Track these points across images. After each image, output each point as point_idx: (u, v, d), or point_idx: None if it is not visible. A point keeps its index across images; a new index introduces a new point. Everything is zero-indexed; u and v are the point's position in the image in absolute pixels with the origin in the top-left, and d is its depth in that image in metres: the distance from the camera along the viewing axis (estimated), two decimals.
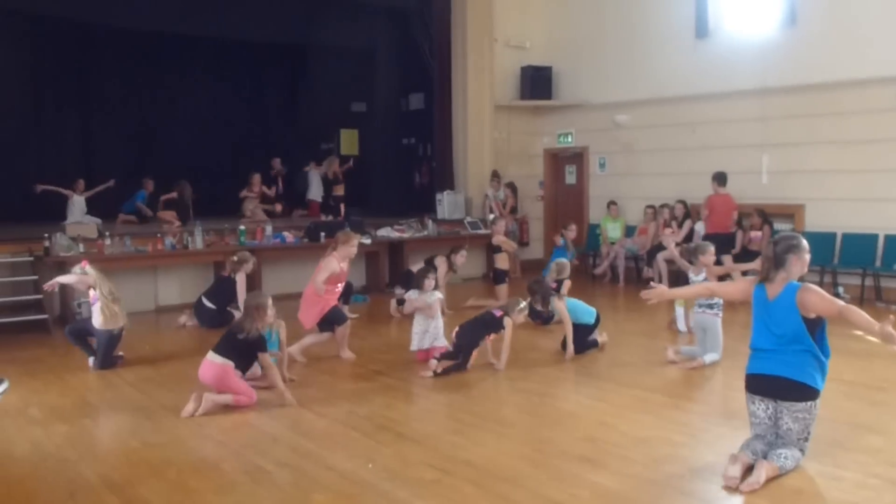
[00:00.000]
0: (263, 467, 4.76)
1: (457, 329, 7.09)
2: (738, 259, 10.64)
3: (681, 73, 12.61)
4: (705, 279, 7.17)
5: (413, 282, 7.88)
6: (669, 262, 11.72)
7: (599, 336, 7.71)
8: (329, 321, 7.42)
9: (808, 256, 4.61)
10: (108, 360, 7.24)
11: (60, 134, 13.17)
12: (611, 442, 5.13)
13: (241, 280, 9.08)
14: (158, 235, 10.32)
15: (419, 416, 5.77)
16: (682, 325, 8.45)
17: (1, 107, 12.76)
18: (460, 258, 9.75)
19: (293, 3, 14.04)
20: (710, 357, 7.10)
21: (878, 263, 10.32)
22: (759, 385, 4.65)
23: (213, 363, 5.94)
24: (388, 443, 5.18)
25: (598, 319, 7.70)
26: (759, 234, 11.15)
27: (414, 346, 7.33)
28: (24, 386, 6.63)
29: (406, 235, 12.24)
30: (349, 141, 16.28)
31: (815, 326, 4.47)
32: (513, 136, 14.78)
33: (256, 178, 13.76)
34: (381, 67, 15.89)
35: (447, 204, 13.58)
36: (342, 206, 13.92)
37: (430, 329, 7.30)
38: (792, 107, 11.28)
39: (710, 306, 7.12)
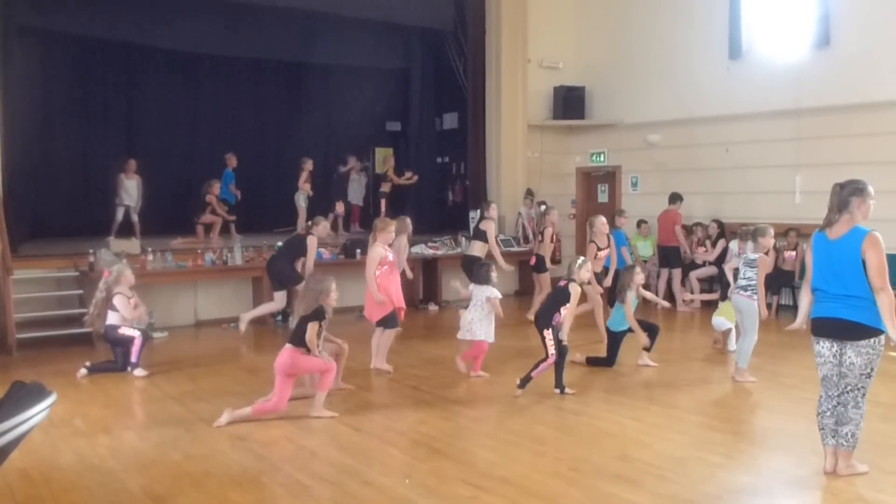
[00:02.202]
0: (302, 482, 4.84)
1: (537, 325, 6.99)
2: (772, 279, 10.62)
3: (714, 94, 12.61)
4: (755, 259, 7.28)
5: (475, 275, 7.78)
6: (702, 280, 11.77)
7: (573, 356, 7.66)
8: (380, 323, 7.62)
9: (872, 202, 4.68)
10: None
11: (104, 152, 13.45)
12: (646, 461, 5.13)
13: (312, 242, 9.30)
14: (199, 251, 10.52)
15: (454, 433, 5.81)
16: (723, 326, 8.42)
17: (48, 125, 13.08)
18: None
19: (330, 23, 14.25)
20: (745, 344, 7.22)
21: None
22: (824, 327, 4.74)
23: (285, 350, 6.09)
24: (424, 459, 5.23)
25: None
26: (793, 253, 11.09)
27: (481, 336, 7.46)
28: (68, 398, 6.78)
29: (440, 252, 12.35)
30: (384, 159, 16.43)
31: None
32: (545, 155, 14.86)
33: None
34: (416, 87, 16.07)
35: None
36: (383, 203, 14.00)
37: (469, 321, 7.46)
38: (825, 127, 11.23)
39: (745, 288, 7.28)
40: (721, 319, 8.44)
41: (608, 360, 7.86)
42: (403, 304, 7.91)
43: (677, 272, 12.14)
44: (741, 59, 12.36)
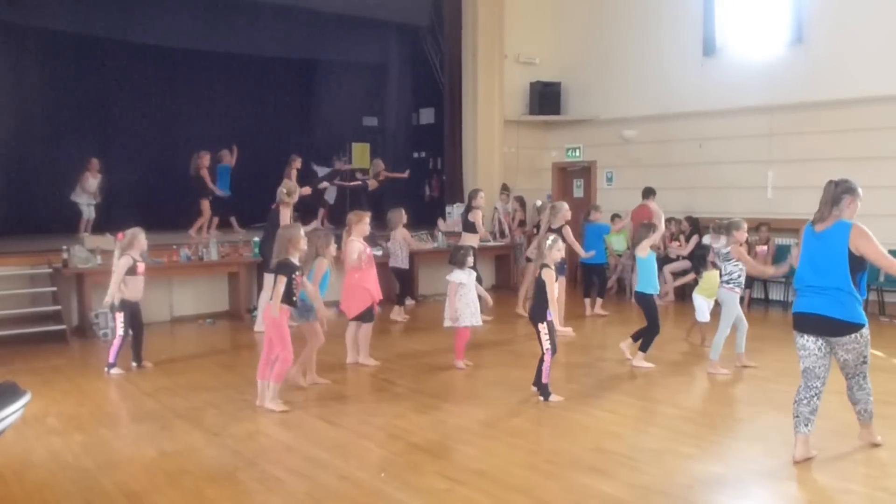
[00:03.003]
0: (278, 476, 4.85)
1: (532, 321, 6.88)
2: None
3: (688, 90, 12.75)
4: (728, 252, 7.39)
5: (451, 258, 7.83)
6: (676, 274, 11.88)
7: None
8: (358, 318, 7.60)
9: (860, 202, 4.88)
10: None
11: (78, 149, 13.30)
12: (620, 453, 5.19)
13: (284, 213, 9.18)
14: (174, 247, 10.45)
15: (431, 426, 5.83)
16: (703, 316, 8.38)
17: (21, 121, 12.93)
18: None
19: (306, 18, 14.20)
20: (717, 337, 7.35)
21: (881, 279, 10.36)
22: (806, 323, 4.90)
23: (270, 307, 6.18)
24: (401, 452, 5.26)
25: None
26: (764, 248, 11.23)
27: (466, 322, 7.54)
28: (42, 396, 6.71)
29: (392, 249, 12.31)
30: (361, 155, 16.41)
31: (857, 269, 4.72)
32: (522, 150, 14.94)
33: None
34: (393, 82, 16.08)
35: (457, 216, 13.72)
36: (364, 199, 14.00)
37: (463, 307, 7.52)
38: (798, 124, 11.41)
39: (728, 281, 7.44)
40: (701, 300, 8.41)
41: (651, 328, 7.77)
42: (381, 296, 7.90)
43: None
44: (715, 56, 12.51)
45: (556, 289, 6.59)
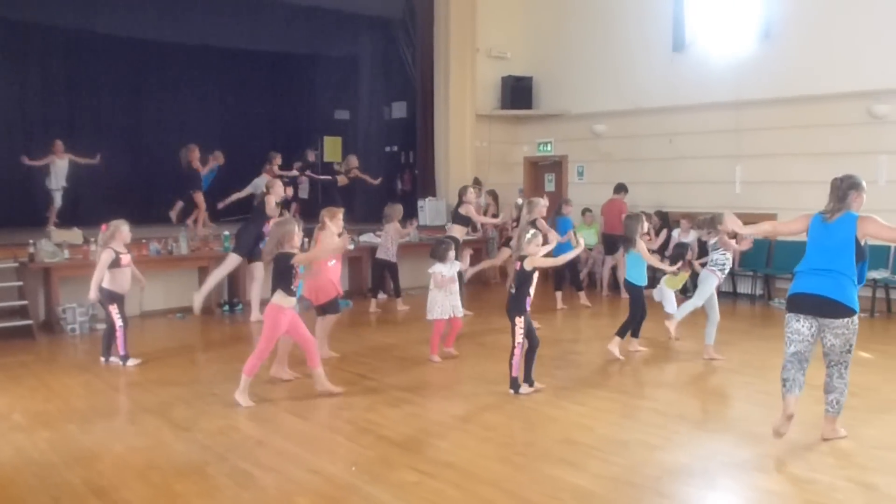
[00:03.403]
0: (248, 471, 4.82)
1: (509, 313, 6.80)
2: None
3: (658, 85, 12.85)
4: (716, 242, 7.66)
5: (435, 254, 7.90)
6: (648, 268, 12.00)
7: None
8: (323, 308, 7.55)
9: (865, 195, 5.13)
10: None
11: (44, 140, 13.06)
12: (589, 445, 5.24)
13: (269, 201, 9.44)
14: (143, 241, 10.34)
15: (401, 420, 5.84)
16: (671, 307, 8.51)
17: None
18: None
19: (277, 11, 14.08)
20: (684, 307, 7.60)
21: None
22: (803, 303, 5.09)
23: (270, 305, 6.25)
24: (371, 446, 5.26)
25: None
26: (732, 241, 11.35)
27: (436, 314, 7.60)
28: (8, 392, 6.65)
29: (382, 240, 12.30)
30: (333, 148, 16.34)
31: (860, 256, 4.97)
32: (493, 144, 14.96)
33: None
34: (365, 76, 16.01)
35: (429, 210, 13.75)
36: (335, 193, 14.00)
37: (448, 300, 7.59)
38: (765, 119, 11.56)
39: (713, 264, 7.69)
40: (669, 291, 8.51)
41: (635, 317, 7.90)
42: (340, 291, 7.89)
43: (622, 259, 12.34)
44: (684, 52, 12.62)
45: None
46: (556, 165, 14.98)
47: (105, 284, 7.57)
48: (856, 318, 4.99)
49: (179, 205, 12.65)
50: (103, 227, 7.81)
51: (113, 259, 7.53)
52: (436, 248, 7.82)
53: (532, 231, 6.81)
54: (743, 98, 11.57)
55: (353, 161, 14.13)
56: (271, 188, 9.74)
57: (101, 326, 9.32)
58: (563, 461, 4.93)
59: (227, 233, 10.85)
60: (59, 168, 11.94)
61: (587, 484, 4.56)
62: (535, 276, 6.57)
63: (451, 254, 7.77)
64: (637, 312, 7.91)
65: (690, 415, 6.08)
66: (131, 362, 7.56)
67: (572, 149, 14.54)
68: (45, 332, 9.16)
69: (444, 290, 7.62)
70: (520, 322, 6.51)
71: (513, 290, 6.55)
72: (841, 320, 4.96)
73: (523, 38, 15.06)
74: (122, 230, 7.66)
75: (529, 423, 5.83)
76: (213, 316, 10.39)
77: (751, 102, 11.55)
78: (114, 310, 7.59)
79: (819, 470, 4.77)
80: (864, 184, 5.15)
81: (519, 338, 6.50)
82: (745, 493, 4.51)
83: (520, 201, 12.23)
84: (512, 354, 6.52)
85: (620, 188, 12.56)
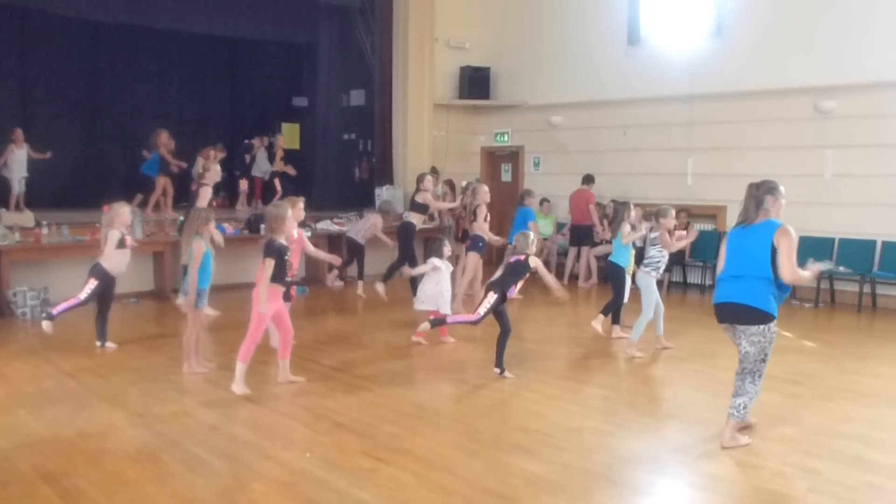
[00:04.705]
0: (201, 457, 4.80)
1: (486, 287, 6.94)
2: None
3: (613, 78, 13.02)
4: (656, 237, 7.61)
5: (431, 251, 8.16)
6: (599, 257, 12.19)
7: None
8: None
9: (784, 201, 5.01)
10: None
11: (2, 130, 12.76)
12: (543, 432, 5.32)
13: (203, 192, 8.97)
14: (97, 225, 10.15)
15: (357, 407, 5.85)
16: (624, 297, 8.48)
17: None
18: None
19: None
20: (640, 320, 7.50)
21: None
22: (721, 313, 5.01)
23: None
24: (326, 432, 5.27)
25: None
26: (683, 233, 11.55)
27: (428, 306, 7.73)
28: None
29: (345, 229, 12.30)
30: (291, 135, 16.21)
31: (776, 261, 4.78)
32: (451, 133, 15.00)
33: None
34: (323, 63, 15.90)
35: (386, 198, 13.72)
36: (277, 182, 13.93)
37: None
38: (716, 113, 11.80)
39: (647, 265, 7.63)
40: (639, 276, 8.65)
41: (616, 299, 8.02)
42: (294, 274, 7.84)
43: (586, 250, 12.48)
44: (639, 45, 12.81)
45: (479, 267, 6.77)
46: (513, 156, 15.09)
47: (102, 261, 7.45)
48: (773, 325, 4.83)
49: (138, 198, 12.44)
50: (105, 208, 7.70)
51: (120, 239, 7.43)
52: (432, 245, 8.00)
53: (531, 236, 7.03)
54: (695, 92, 11.79)
55: (281, 142, 14.13)
56: (206, 172, 9.19)
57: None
58: (517, 448, 5.00)
59: (181, 218, 10.70)
60: (17, 158, 11.66)
61: (540, 470, 4.63)
62: (474, 261, 6.73)
63: (447, 250, 7.94)
64: (618, 295, 8.02)
65: (640, 402, 6.20)
66: (46, 325, 7.35)
67: (529, 139, 14.67)
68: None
69: (432, 281, 7.76)
70: (490, 297, 6.61)
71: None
72: (756, 327, 4.81)
73: (482, 29, 15.11)
74: (121, 213, 7.54)
75: (483, 410, 5.89)
76: (169, 301, 10.26)
77: (703, 96, 11.78)
78: (91, 284, 7.42)
79: (764, 456, 4.90)
80: (782, 189, 5.02)
81: (481, 311, 6.61)
82: (693, 478, 4.63)
83: (464, 183, 12.40)
84: (472, 323, 6.68)
85: (589, 179, 12.65)
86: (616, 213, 8.17)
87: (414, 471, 4.59)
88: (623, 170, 12.96)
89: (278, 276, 6.07)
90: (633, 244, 8.01)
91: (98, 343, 7.63)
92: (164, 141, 12.08)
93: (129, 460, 4.73)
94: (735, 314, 4.89)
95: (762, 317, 4.80)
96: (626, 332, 8.13)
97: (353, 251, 11.06)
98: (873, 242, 10.43)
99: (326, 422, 5.48)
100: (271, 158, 14.07)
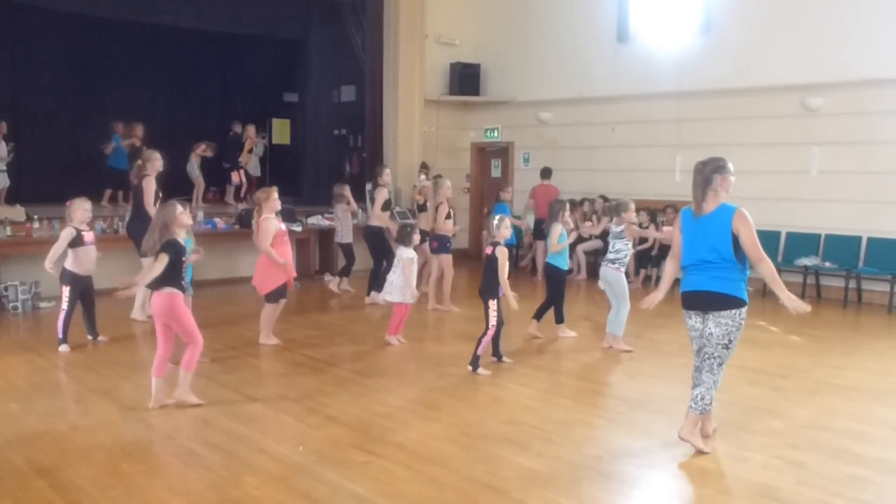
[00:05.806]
0: (195, 450, 4.83)
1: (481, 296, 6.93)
2: (648, 252, 11.65)
3: (602, 75, 13.09)
4: (622, 231, 7.58)
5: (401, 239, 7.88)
6: (589, 253, 12.26)
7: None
8: (269, 296, 7.50)
9: (732, 178, 4.88)
10: None
11: None
12: (533, 425, 5.37)
13: (146, 184, 8.48)
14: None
15: (349, 400, 5.89)
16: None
17: None
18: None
19: None
20: (621, 314, 7.49)
21: (779, 259, 10.91)
22: (692, 301, 4.91)
23: (160, 294, 5.54)
24: (319, 426, 5.30)
25: None
26: (670, 228, 11.66)
27: (396, 298, 7.59)
28: None
29: (336, 224, 12.31)
30: (281, 131, 16.21)
31: (739, 246, 4.71)
32: (441, 129, 15.04)
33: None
34: (314, 59, 15.88)
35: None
36: (240, 174, 13.98)
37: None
38: (705, 110, 11.88)
39: (613, 262, 7.58)
40: (604, 274, 8.63)
41: (551, 301, 7.98)
42: (294, 273, 7.72)
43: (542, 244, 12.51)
44: (628, 42, 12.88)
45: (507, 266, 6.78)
46: (503, 152, 15.14)
47: (68, 265, 7.32)
48: (743, 311, 4.75)
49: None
50: (68, 202, 7.56)
51: (74, 237, 7.27)
52: (401, 232, 7.85)
53: (499, 216, 6.97)
54: (684, 89, 11.86)
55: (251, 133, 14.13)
56: (146, 162, 8.55)
57: (45, 305, 9.21)
58: (508, 441, 5.05)
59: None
60: (1, 150, 11.62)
61: (531, 463, 4.68)
62: (503, 262, 6.70)
63: (416, 237, 7.82)
64: (554, 296, 7.97)
65: (630, 396, 6.26)
66: (63, 348, 7.25)
67: (519, 135, 14.73)
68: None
69: (403, 273, 7.61)
70: (493, 304, 6.71)
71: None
72: (727, 311, 4.71)
73: (472, 26, 15.15)
74: (76, 207, 7.36)
75: (475, 404, 5.94)
76: None
77: (691, 93, 11.85)
78: (66, 291, 7.31)
79: (752, 449, 4.96)
80: (730, 166, 4.87)
81: (493, 319, 6.70)
82: (682, 471, 4.68)
83: (422, 178, 12.35)
84: (484, 334, 6.71)
85: (548, 172, 12.81)
86: (551, 213, 8.06)
87: (406, 464, 4.63)
88: (612, 166, 13.03)
89: (177, 280, 5.58)
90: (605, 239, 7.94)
91: (90, 337, 7.62)
92: (139, 134, 12.06)
93: (122, 454, 4.75)
94: (707, 301, 4.79)
95: (734, 302, 4.73)
96: (571, 332, 8.11)
97: (348, 254, 11.03)
98: (859, 238, 10.53)
99: (319, 415, 5.52)
100: (239, 149, 14.06)
